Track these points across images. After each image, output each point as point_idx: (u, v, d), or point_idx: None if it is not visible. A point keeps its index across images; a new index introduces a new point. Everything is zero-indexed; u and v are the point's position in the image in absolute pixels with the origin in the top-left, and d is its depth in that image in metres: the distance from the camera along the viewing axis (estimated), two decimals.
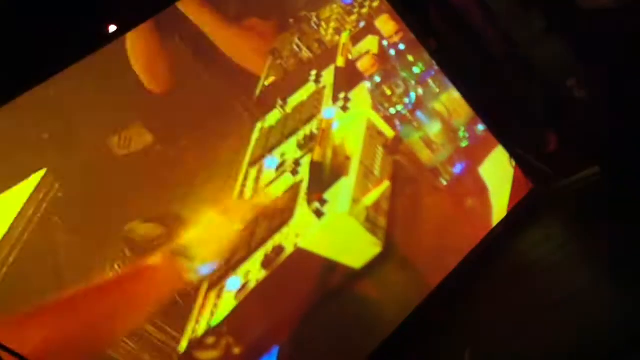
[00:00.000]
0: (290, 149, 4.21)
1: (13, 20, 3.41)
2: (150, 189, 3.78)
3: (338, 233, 4.02)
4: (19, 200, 3.43)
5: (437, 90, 4.77)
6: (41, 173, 3.52)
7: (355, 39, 4.74)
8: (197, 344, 3.56)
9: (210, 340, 3.58)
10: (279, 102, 4.34)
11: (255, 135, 4.22)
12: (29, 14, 3.47)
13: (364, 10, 4.85)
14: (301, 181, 4.09)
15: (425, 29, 4.77)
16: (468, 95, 4.77)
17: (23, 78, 3.47)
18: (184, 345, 3.53)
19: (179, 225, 3.67)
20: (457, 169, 4.60)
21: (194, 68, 4.18)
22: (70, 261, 3.42)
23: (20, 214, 3.40)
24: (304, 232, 3.92)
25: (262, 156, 4.17)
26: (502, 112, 4.73)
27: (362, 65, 4.66)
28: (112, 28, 3.84)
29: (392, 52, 4.79)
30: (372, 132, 4.42)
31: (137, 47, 3.89)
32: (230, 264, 3.77)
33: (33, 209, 3.44)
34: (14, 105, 3.45)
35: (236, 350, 3.62)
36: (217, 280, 3.70)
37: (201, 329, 3.59)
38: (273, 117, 4.30)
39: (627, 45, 4.11)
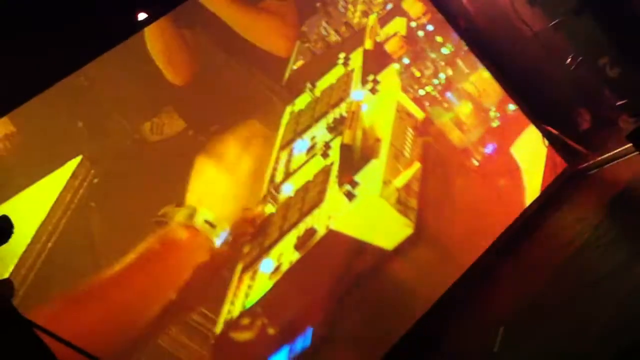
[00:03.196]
0: (320, 131, 4.23)
1: (45, 10, 3.47)
2: (183, 173, 3.83)
3: (369, 215, 4.03)
4: (56, 187, 3.51)
5: (467, 70, 4.74)
6: (77, 160, 3.59)
7: (383, 21, 4.72)
8: (232, 325, 3.63)
9: (246, 321, 3.63)
10: (308, 85, 4.35)
11: (285, 119, 4.24)
12: (60, 4, 3.53)
13: None
14: (332, 164, 4.11)
15: (454, 9, 4.73)
16: (498, 75, 4.72)
17: (56, 67, 3.55)
18: (220, 326, 3.60)
19: (204, 192, 3.72)
20: (489, 149, 4.57)
21: (220, 56, 4.20)
22: (107, 245, 3.49)
23: (57, 200, 3.48)
24: (335, 214, 3.94)
25: (293, 140, 4.20)
26: (533, 91, 4.67)
27: (390, 47, 4.65)
28: (142, 16, 3.89)
29: (421, 33, 4.77)
30: (402, 114, 4.41)
31: (156, 43, 3.94)
32: (263, 246, 3.81)
33: (70, 195, 3.52)
34: (48, 94, 3.54)
35: (271, 331, 3.67)
36: (251, 262, 3.76)
37: (236, 310, 3.65)
38: (302, 101, 4.32)
39: None
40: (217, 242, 3.71)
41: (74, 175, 3.54)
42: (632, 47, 4.19)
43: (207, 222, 3.70)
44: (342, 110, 4.30)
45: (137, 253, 3.50)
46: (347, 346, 3.83)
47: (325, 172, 4.09)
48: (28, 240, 3.36)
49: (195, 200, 3.74)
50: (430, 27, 4.78)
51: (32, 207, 3.43)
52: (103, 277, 3.42)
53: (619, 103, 4.14)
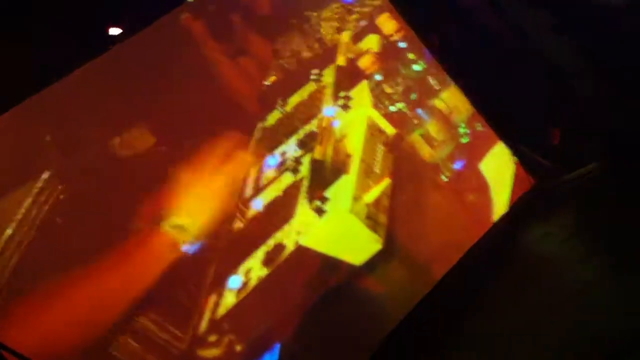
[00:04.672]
0: (290, 147, 4.24)
1: (16, 24, 3.47)
2: (153, 189, 3.81)
3: (339, 230, 4.05)
4: (23, 202, 3.48)
5: (438, 87, 4.80)
6: (44, 175, 3.57)
7: (356, 37, 4.77)
8: (199, 342, 3.60)
9: (213, 338, 3.61)
10: (280, 101, 4.37)
11: (256, 134, 4.25)
12: (32, 18, 3.53)
13: (365, 9, 4.88)
14: (302, 179, 4.12)
15: (427, 26, 4.79)
16: (469, 92, 4.78)
17: (26, 82, 3.54)
18: (186, 343, 3.57)
19: (174, 204, 3.73)
20: (458, 165, 4.62)
21: (195, 70, 4.22)
22: (73, 261, 3.46)
23: (23, 216, 3.45)
24: (305, 230, 3.95)
25: (263, 155, 4.20)
26: (503, 108, 4.73)
27: (363, 63, 4.69)
28: (114, 31, 3.90)
29: (393, 50, 4.82)
30: (373, 130, 4.44)
31: None
32: (231, 262, 3.81)
33: (36, 210, 3.49)
34: (18, 109, 3.52)
35: (238, 348, 3.65)
36: (218, 278, 3.74)
37: (203, 327, 3.62)
38: (273, 117, 4.34)
39: (630, 42, 4.10)
40: (185, 248, 3.68)
41: (40, 191, 3.52)
42: (601, 65, 4.28)
43: (176, 226, 3.68)
44: (313, 126, 4.33)
45: (103, 258, 3.48)
46: None
47: (296, 187, 4.10)
48: None
49: (167, 209, 3.73)
50: (402, 44, 4.83)
51: None
52: (67, 282, 3.38)
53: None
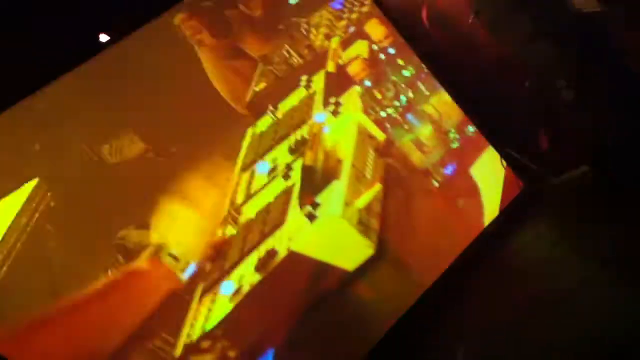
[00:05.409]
0: (281, 153, 4.24)
1: (3, 33, 3.44)
2: (143, 195, 3.80)
3: (331, 236, 4.04)
4: (11, 210, 3.45)
5: (427, 92, 4.82)
6: (33, 183, 3.54)
7: (345, 43, 4.78)
8: (192, 348, 3.58)
9: (206, 344, 3.59)
10: (270, 107, 4.38)
11: (246, 141, 4.25)
12: (19, 25, 3.50)
13: (354, 16, 4.89)
14: (293, 185, 4.12)
15: (416, 32, 4.81)
16: (458, 97, 4.80)
17: (13, 90, 3.51)
18: (179, 349, 3.55)
19: (168, 228, 3.70)
20: (449, 170, 4.64)
21: (185, 76, 4.21)
22: (63, 270, 3.43)
23: (12, 224, 3.42)
24: (296, 236, 3.94)
25: (254, 161, 4.20)
26: (492, 113, 4.76)
27: (352, 69, 4.70)
28: (104, 37, 3.88)
29: (382, 56, 4.83)
30: (363, 136, 4.45)
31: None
32: (223, 269, 3.79)
33: (26, 219, 3.46)
34: (4, 116, 3.50)
35: (231, 354, 3.63)
36: (211, 284, 3.73)
37: (196, 333, 3.61)
38: (264, 123, 4.34)
39: (611, 46, 4.15)
40: (182, 275, 3.68)
41: (29, 199, 3.49)
42: (587, 70, 4.31)
43: (170, 255, 3.67)
44: (303, 132, 4.32)
45: (98, 282, 3.46)
46: None
47: (287, 193, 4.10)
48: None
49: (159, 234, 3.71)
50: (391, 50, 4.85)
51: None
52: (61, 304, 3.36)
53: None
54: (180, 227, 3.75)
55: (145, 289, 3.56)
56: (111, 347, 3.39)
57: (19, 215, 3.45)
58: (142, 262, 3.57)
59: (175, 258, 3.65)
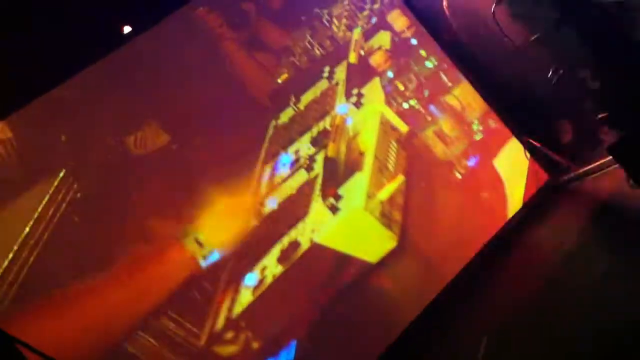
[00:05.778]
0: (304, 145, 4.24)
1: (29, 24, 3.47)
2: (167, 186, 3.83)
3: (353, 228, 4.05)
4: (39, 201, 3.49)
5: (450, 84, 4.78)
6: (60, 174, 3.58)
7: (368, 34, 4.76)
8: (216, 339, 3.62)
9: (229, 335, 3.63)
10: (292, 99, 4.37)
11: (269, 133, 4.25)
12: (45, 17, 3.53)
13: (376, 6, 4.87)
14: (316, 177, 4.13)
15: (438, 23, 4.78)
16: (481, 88, 4.77)
17: (39, 81, 3.55)
18: (203, 340, 3.59)
19: (192, 216, 3.73)
20: (472, 162, 4.61)
21: (208, 68, 4.22)
22: (89, 260, 3.47)
23: (39, 214, 3.46)
24: (319, 228, 3.95)
25: (277, 153, 4.20)
26: (516, 104, 4.72)
27: (375, 60, 4.68)
28: (127, 29, 3.91)
29: (405, 47, 4.81)
30: (386, 127, 4.44)
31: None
32: (246, 260, 3.81)
33: (52, 209, 3.50)
34: (32, 108, 3.54)
35: (255, 345, 3.67)
36: (234, 276, 3.76)
37: (220, 324, 3.64)
38: (286, 115, 4.33)
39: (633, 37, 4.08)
40: (204, 263, 3.71)
41: (56, 189, 3.53)
42: (611, 60, 4.25)
43: (195, 240, 3.70)
44: (326, 123, 4.33)
45: (119, 265, 3.50)
46: (331, 359, 3.82)
47: (309, 185, 4.11)
48: (10, 255, 3.35)
49: (183, 222, 3.75)
50: (414, 41, 4.82)
51: (14, 221, 3.41)
52: (84, 288, 3.41)
53: (600, 116, 4.19)
54: (204, 217, 3.77)
55: (165, 272, 3.59)
56: (130, 325, 3.45)
57: (45, 206, 3.49)
58: (164, 241, 3.60)
59: (200, 244, 3.67)
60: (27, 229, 3.40)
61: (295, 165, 4.18)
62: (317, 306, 3.87)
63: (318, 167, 4.15)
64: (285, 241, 3.90)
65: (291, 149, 4.23)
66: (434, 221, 4.33)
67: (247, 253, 3.82)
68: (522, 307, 3.72)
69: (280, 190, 4.09)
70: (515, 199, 4.59)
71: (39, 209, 3.46)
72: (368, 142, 4.30)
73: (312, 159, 4.18)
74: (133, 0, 3.95)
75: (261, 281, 3.77)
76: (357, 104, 4.46)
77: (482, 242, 4.34)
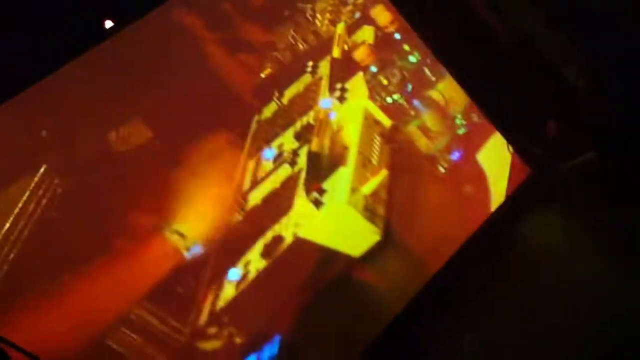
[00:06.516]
0: (287, 140, 4.24)
1: (10, 18, 3.44)
2: (150, 182, 3.81)
3: (337, 222, 4.05)
4: (19, 197, 3.46)
5: (434, 78, 4.79)
6: (41, 169, 3.55)
7: (351, 29, 4.76)
8: (199, 334, 3.61)
9: (212, 330, 3.62)
10: (276, 94, 4.37)
11: (252, 127, 4.24)
12: (26, 11, 3.50)
13: (359, 1, 4.87)
14: (299, 171, 4.12)
15: (422, 17, 4.78)
16: (465, 83, 4.78)
17: (21, 76, 3.52)
18: (186, 335, 3.58)
19: (174, 210, 3.72)
20: (455, 156, 4.62)
21: (191, 63, 4.20)
22: (71, 255, 3.45)
23: (19, 211, 3.43)
24: (303, 222, 3.95)
25: (260, 148, 4.20)
26: (499, 99, 4.73)
27: (358, 55, 4.68)
28: (109, 24, 3.88)
29: (388, 41, 4.81)
30: (370, 122, 4.44)
31: None
32: (230, 255, 3.80)
33: (33, 205, 3.47)
34: (13, 103, 3.50)
35: (238, 340, 3.66)
36: (217, 270, 3.75)
37: (203, 319, 3.63)
38: (270, 109, 4.33)
39: (626, 34, 4.11)
40: (187, 255, 3.69)
41: (37, 185, 3.50)
42: (598, 57, 4.28)
43: (177, 232, 3.69)
44: (309, 118, 4.32)
45: (101, 260, 3.47)
46: (315, 354, 3.83)
47: (293, 179, 4.10)
48: None
49: (165, 215, 3.73)
50: (397, 36, 4.83)
51: None
52: (66, 284, 3.38)
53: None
54: (187, 211, 3.76)
55: (148, 263, 3.58)
56: (113, 319, 3.42)
57: (26, 202, 3.46)
58: (145, 233, 3.60)
59: (182, 235, 3.66)
60: (8, 225, 3.37)
61: (279, 159, 4.18)
62: (300, 301, 3.87)
63: (302, 161, 4.14)
64: (269, 236, 3.89)
65: (275, 144, 4.23)
66: (417, 215, 4.35)
67: (230, 248, 3.81)
68: (505, 302, 3.75)
69: (264, 184, 4.08)
70: (498, 193, 4.60)
71: (20, 205, 3.43)
72: (352, 136, 4.30)
73: (295, 153, 4.18)
74: None
75: (245, 276, 3.76)
76: (341, 99, 4.46)
77: (466, 235, 4.35)
